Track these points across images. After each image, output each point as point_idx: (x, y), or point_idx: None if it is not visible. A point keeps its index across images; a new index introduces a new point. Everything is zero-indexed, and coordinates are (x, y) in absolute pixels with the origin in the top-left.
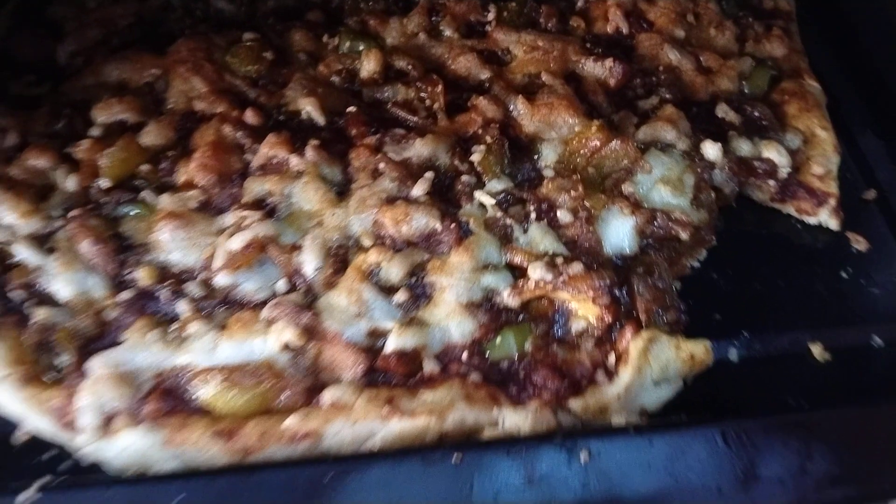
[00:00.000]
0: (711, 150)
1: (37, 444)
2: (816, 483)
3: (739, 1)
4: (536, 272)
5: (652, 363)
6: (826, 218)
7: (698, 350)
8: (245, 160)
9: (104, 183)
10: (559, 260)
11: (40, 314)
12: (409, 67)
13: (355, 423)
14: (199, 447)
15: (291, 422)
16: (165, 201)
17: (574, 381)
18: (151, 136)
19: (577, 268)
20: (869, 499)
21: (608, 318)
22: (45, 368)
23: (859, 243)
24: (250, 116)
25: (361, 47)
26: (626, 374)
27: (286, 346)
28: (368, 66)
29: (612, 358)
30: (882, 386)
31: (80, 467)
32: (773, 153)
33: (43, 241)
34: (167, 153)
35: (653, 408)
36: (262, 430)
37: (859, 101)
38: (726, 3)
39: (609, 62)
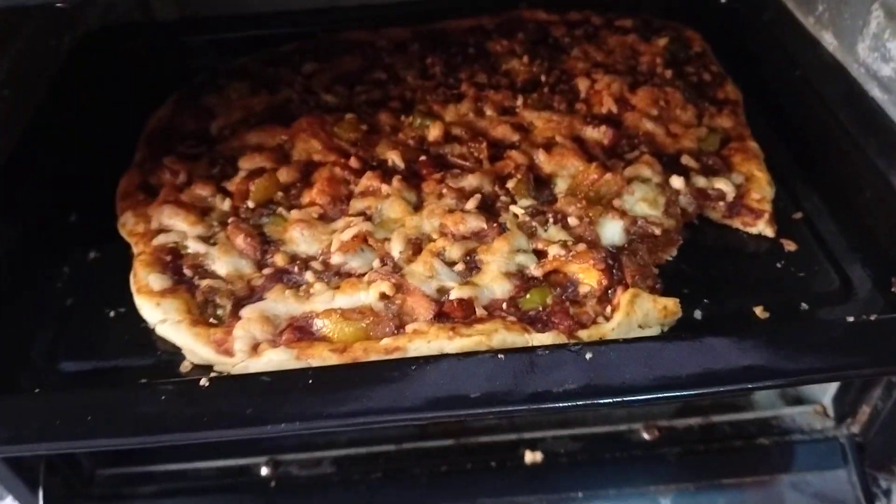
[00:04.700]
0: (677, 181)
1: (197, 372)
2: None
3: (699, 92)
4: (553, 250)
5: (637, 311)
6: (763, 227)
7: (670, 303)
8: (350, 189)
9: (250, 204)
10: (570, 243)
11: (205, 282)
12: (462, 133)
13: (430, 342)
14: (322, 359)
15: (386, 341)
16: (295, 214)
17: (582, 322)
18: (283, 175)
19: (581, 246)
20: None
21: (605, 282)
22: (209, 317)
23: (790, 245)
24: (353, 162)
25: (428, 122)
26: (618, 316)
27: (382, 295)
28: (434, 132)
29: (609, 310)
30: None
31: None
32: (722, 184)
33: (207, 240)
34: (295, 185)
35: None
36: (365, 347)
37: (791, 159)
38: (688, 94)
39: (603, 127)
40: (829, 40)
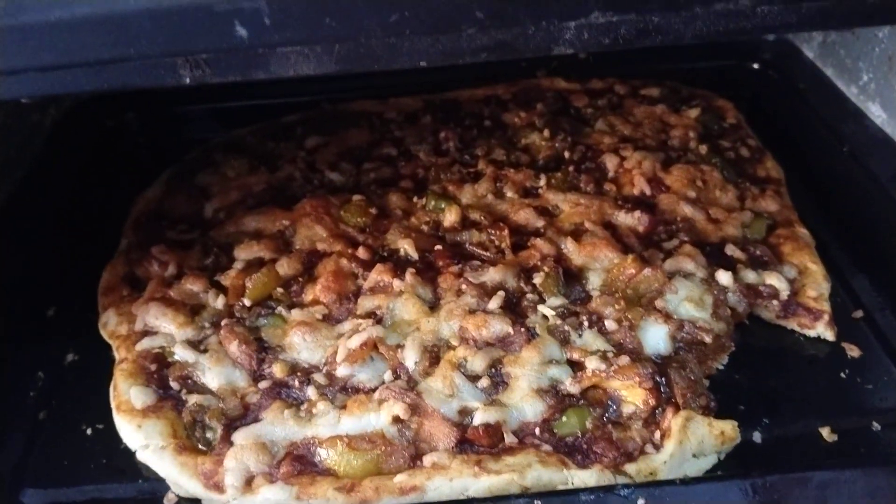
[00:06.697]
0: (724, 277)
1: None
2: None
3: (738, 170)
4: (592, 363)
5: (690, 438)
6: (823, 330)
7: (727, 427)
8: (358, 284)
9: (246, 302)
10: (610, 354)
11: (193, 399)
12: (481, 218)
13: (452, 479)
14: (325, 499)
15: (401, 478)
16: (296, 314)
17: (627, 452)
18: (284, 267)
19: (624, 360)
20: None
21: (652, 402)
22: (197, 441)
23: (853, 351)
24: (362, 252)
25: (443, 205)
26: (670, 445)
27: (395, 419)
28: (450, 217)
29: (657, 435)
30: (881, 459)
31: None
32: (774, 280)
33: (197, 345)
34: (297, 279)
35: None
36: (377, 485)
37: (843, 246)
38: (727, 172)
39: (637, 213)
40: (876, 112)
